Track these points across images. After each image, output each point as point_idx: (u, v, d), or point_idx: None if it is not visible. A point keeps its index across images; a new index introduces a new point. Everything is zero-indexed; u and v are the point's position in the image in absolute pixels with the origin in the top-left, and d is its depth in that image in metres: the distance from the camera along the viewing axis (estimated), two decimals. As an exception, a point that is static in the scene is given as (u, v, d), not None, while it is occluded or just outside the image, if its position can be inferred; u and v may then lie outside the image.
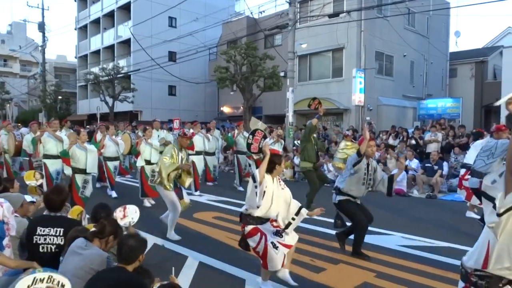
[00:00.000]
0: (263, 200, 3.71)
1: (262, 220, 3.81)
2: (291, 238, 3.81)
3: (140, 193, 8.25)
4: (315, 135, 8.61)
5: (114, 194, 9.06)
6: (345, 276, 4.46)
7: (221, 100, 29.59)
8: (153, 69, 25.57)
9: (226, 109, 28.58)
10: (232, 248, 5.37)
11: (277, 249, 3.62)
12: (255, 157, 9.16)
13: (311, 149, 7.83)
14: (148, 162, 8.29)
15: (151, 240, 5.58)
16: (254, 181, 3.70)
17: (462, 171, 7.26)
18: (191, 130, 9.69)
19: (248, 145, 5.18)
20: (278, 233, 3.70)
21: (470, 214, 7.45)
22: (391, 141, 13.15)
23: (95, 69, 29.95)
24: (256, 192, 3.68)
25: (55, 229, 3.33)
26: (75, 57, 39.44)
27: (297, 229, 6.33)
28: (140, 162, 8.30)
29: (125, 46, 32.02)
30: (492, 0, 13.56)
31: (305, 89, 20.86)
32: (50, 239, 3.30)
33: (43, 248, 3.28)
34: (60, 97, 35.46)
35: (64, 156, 7.04)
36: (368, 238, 5.80)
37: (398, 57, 21.03)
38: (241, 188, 10.08)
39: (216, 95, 30.23)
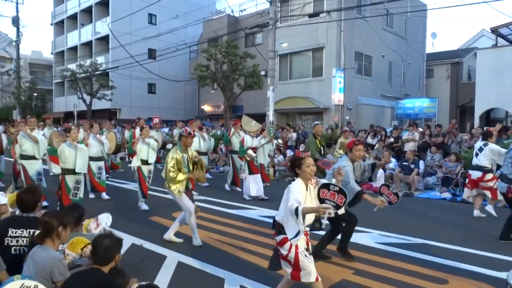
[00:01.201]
0: None
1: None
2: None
3: (141, 195, 7.78)
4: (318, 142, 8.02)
5: (92, 195, 8.61)
6: (323, 273, 4.48)
7: (201, 99, 29.41)
8: (132, 66, 25.21)
9: (206, 108, 28.43)
10: (212, 248, 5.36)
11: (309, 258, 3.34)
12: (247, 158, 8.90)
13: (313, 149, 7.60)
14: (145, 162, 7.87)
15: (129, 239, 5.51)
16: (297, 215, 3.11)
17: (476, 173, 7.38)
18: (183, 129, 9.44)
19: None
20: (307, 250, 3.41)
21: (478, 213, 7.52)
22: (369, 140, 13.36)
23: (72, 66, 29.32)
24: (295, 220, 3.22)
25: (27, 230, 3.24)
26: (51, 53, 38.47)
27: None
28: (136, 162, 7.85)
29: (103, 42, 31.43)
30: (467, 3, 13.94)
31: (285, 88, 20.96)
32: (22, 241, 3.21)
33: (15, 250, 3.19)
34: (35, 94, 34.52)
35: (52, 154, 6.68)
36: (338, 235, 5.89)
37: (376, 57, 21.37)
38: (227, 188, 10.00)
39: (197, 93, 30.04)
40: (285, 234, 3.34)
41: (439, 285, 4.19)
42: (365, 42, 20.39)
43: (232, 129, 10.40)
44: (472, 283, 4.27)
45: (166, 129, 17.63)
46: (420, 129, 13.44)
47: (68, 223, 3.01)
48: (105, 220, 4.18)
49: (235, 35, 22.84)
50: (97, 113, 30.36)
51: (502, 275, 4.45)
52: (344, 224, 4.96)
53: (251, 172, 8.88)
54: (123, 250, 4.62)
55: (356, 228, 6.26)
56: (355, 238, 5.86)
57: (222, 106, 21.97)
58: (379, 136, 13.32)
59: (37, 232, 2.98)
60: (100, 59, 29.87)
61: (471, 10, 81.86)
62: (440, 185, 10.13)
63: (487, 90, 16.39)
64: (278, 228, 3.44)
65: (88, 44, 33.05)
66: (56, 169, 6.75)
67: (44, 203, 6.60)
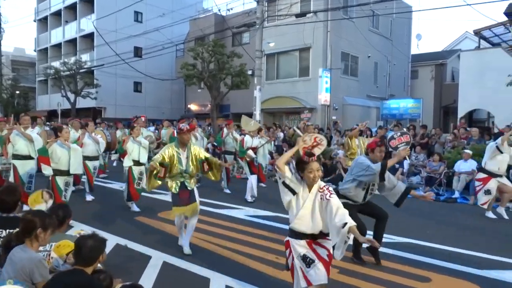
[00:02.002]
0: (300, 212, 3.20)
1: (297, 235, 3.24)
2: (317, 276, 3.11)
3: (126, 196, 7.53)
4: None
5: (90, 197, 8.30)
6: (309, 273, 4.51)
7: (188, 98, 29.25)
8: (118, 64, 24.89)
9: (193, 107, 28.28)
10: (197, 247, 5.32)
11: (308, 268, 3.15)
12: (247, 158, 8.67)
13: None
14: (136, 163, 7.56)
15: (114, 240, 5.44)
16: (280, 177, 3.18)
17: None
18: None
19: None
20: (305, 260, 3.16)
21: (489, 214, 7.52)
22: (355, 140, 13.44)
23: (56, 64, 28.80)
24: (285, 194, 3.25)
25: (7, 231, 3.17)
26: (35, 50, 37.74)
27: (262, 226, 6.41)
28: (127, 162, 7.51)
29: (88, 40, 30.96)
30: (451, 6, 14.16)
31: (272, 88, 21.00)
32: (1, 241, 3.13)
33: (-6, 250, 3.11)
34: (17, 92, 33.82)
35: (43, 154, 6.25)
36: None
37: (362, 58, 21.56)
38: (227, 191, 9.59)
39: (183, 92, 29.86)
40: (290, 236, 3.27)
41: (423, 283, 4.24)
42: (351, 43, 20.56)
43: (225, 130, 10.07)
44: (455, 281, 4.33)
45: (152, 128, 17.45)
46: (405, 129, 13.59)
47: (49, 225, 2.93)
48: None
49: (222, 34, 22.78)
50: (82, 112, 29.90)
51: (485, 273, 4.54)
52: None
53: (252, 173, 8.69)
54: (107, 251, 4.55)
55: None
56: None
57: (209, 105, 21.89)
58: (365, 136, 13.42)
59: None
60: (85, 57, 29.41)
61: (455, 13, 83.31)
62: (424, 184, 10.27)
63: (470, 92, 16.69)
64: (289, 230, 3.34)
65: (73, 42, 32.51)
66: (47, 170, 6.28)
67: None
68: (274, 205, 8.03)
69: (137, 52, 29.13)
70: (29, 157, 7.05)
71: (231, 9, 23.81)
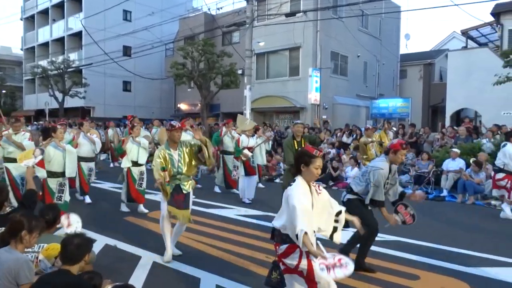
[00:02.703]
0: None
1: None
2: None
3: (126, 197, 7.32)
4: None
5: (88, 199, 8.03)
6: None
7: (178, 97, 29.11)
8: (107, 63, 24.65)
9: (183, 106, 28.17)
10: (187, 247, 5.30)
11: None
12: (243, 158, 8.38)
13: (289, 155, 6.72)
14: (135, 164, 7.34)
15: (103, 240, 5.39)
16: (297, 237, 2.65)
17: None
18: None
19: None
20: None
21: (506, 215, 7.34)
22: (344, 139, 13.55)
23: (43, 62, 28.45)
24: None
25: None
26: (21, 49, 37.22)
27: (253, 226, 6.41)
28: (126, 163, 7.29)
29: (76, 39, 30.63)
30: (439, 6, 14.31)
31: (262, 87, 21.01)
32: None
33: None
34: (4, 91, 33.33)
35: None
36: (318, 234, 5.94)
37: (352, 57, 21.69)
38: (218, 190, 9.46)
39: (173, 91, 29.71)
40: (291, 241, 2.82)
41: (412, 281, 4.28)
42: (341, 42, 20.67)
43: (224, 129, 9.67)
44: (444, 278, 4.38)
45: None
46: (394, 129, 13.72)
47: (35, 227, 2.88)
48: (75, 223, 4.08)
49: (212, 33, 22.71)
50: (70, 111, 29.60)
51: (474, 270, 4.61)
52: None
53: (247, 173, 8.41)
54: (96, 251, 4.52)
55: None
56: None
57: (199, 104, 21.81)
58: (354, 135, 13.52)
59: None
60: (73, 56, 29.11)
61: (443, 13, 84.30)
62: (412, 183, 10.37)
63: (457, 91, 16.90)
64: (280, 236, 2.92)
65: (60, 40, 32.12)
66: (40, 173, 5.98)
67: None
68: (265, 204, 8.05)
69: (126, 51, 28.92)
70: None
71: (221, 8, 23.79)
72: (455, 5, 13.29)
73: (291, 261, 2.81)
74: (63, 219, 3.98)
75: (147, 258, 4.85)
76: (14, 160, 6.57)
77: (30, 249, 3.28)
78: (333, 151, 12.65)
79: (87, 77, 27.43)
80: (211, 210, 7.58)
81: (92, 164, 8.27)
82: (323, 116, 18.87)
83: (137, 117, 14.03)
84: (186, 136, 8.13)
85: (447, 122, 17.07)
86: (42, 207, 4.03)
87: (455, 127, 12.91)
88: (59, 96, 26.30)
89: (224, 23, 19.81)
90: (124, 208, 7.40)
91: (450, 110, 17.46)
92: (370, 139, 9.33)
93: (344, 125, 15.39)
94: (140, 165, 7.44)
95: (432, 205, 8.58)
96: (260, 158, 9.09)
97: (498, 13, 17.04)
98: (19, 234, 2.79)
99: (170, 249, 4.81)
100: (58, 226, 3.96)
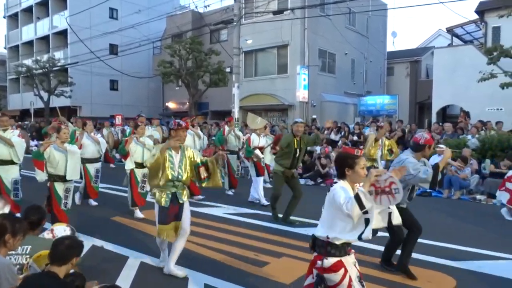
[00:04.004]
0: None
1: (345, 249, 2.72)
2: None
3: (130, 202, 6.99)
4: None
5: (92, 201, 7.77)
6: (287, 268, 4.54)
7: (166, 96, 28.93)
8: (93, 62, 24.39)
9: (171, 105, 28.00)
10: (176, 246, 5.27)
11: None
12: (254, 158, 7.96)
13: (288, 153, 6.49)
14: (139, 165, 6.95)
15: (90, 241, 5.33)
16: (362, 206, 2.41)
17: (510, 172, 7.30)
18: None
19: None
20: (360, 280, 2.76)
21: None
22: (333, 136, 13.61)
23: (28, 61, 27.99)
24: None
25: None
26: (5, 48, 36.54)
27: (242, 224, 6.40)
28: (129, 165, 6.91)
29: (62, 37, 30.20)
30: (424, 4, 14.47)
31: (251, 85, 20.99)
32: None
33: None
34: (-13, 91, 32.75)
35: (37, 158, 5.52)
36: (302, 230, 5.99)
37: (340, 55, 21.80)
38: (230, 192, 9.00)
39: (161, 90, 29.52)
40: (338, 255, 2.64)
41: (398, 276, 4.32)
42: (329, 40, 20.75)
43: (226, 127, 9.23)
44: (431, 273, 4.44)
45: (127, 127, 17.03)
46: (381, 124, 13.81)
47: (19, 230, 2.83)
48: (62, 233, 4.02)
49: (199, 31, 22.60)
50: (56, 111, 29.16)
51: (460, 264, 4.67)
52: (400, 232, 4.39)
53: (258, 174, 8.06)
54: (83, 252, 4.46)
55: (310, 221, 6.37)
56: (310, 231, 5.95)
57: (187, 103, 21.71)
58: (342, 133, 13.59)
59: None
60: (58, 55, 28.69)
61: (429, 11, 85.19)
62: (400, 179, 10.44)
63: (443, 88, 17.10)
64: (325, 248, 2.65)
65: (45, 39, 31.63)
66: (39, 175, 5.56)
67: (18, 215, 5.35)
68: (255, 203, 8.05)
69: (113, 49, 28.59)
70: (11, 162, 6.39)
71: (209, 5, 23.68)
72: (440, 2, 13.45)
73: (334, 277, 2.65)
74: (46, 234, 3.97)
75: (135, 258, 4.81)
76: (2, 163, 6.30)
77: (13, 252, 3.23)
78: (319, 148, 12.68)
79: (73, 76, 27.05)
80: (200, 209, 7.54)
81: (98, 165, 7.83)
82: (313, 116, 18.93)
83: (122, 116, 13.91)
84: (189, 137, 7.91)
85: (434, 118, 17.28)
86: (26, 209, 3.96)
87: (441, 124, 13.07)
88: (45, 95, 25.89)
89: (211, 21, 19.73)
90: (138, 214, 6.89)
91: (436, 106, 17.66)
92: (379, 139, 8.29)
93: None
94: (144, 167, 6.83)
95: (419, 200, 8.66)
96: (270, 158, 8.49)
97: (482, 11, 17.27)
98: (2, 238, 2.74)
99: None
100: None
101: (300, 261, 4.77)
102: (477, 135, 10.61)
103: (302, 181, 10.21)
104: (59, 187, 5.64)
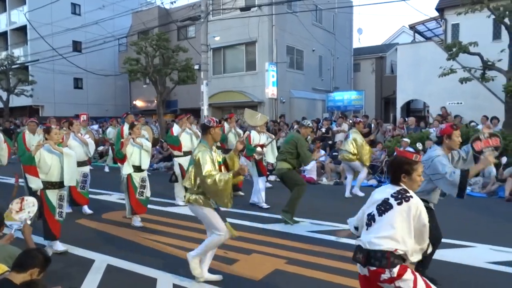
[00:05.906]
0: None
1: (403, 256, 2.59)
2: None
3: (128, 210, 6.55)
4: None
5: (87, 210, 7.16)
6: (257, 265, 4.56)
7: (133, 94, 28.32)
8: (55, 59, 23.47)
9: (139, 103, 27.44)
10: (143, 247, 5.19)
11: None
12: (256, 157, 7.52)
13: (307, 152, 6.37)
14: (137, 169, 6.38)
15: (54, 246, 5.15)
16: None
17: None
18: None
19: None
20: None
21: None
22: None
23: (-16, 59, 26.62)
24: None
25: None
26: (-41, 45, 34.62)
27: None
28: (126, 169, 6.32)
29: (21, 33, 28.92)
30: (389, 1, 14.84)
31: (219, 82, 20.88)
32: None
33: None
34: None
35: (28, 163, 4.87)
36: (279, 227, 6.04)
37: (307, 52, 22.02)
38: (241, 193, 8.59)
39: (128, 88, 28.87)
40: (402, 261, 2.51)
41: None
42: (296, 37, 20.91)
43: (226, 125, 8.73)
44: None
45: (95, 126, 16.68)
46: (350, 121, 14.10)
47: None
48: (30, 207, 3.83)
49: (166, 28, 22.23)
50: (16, 111, 28.00)
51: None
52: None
53: (260, 174, 7.58)
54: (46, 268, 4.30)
55: (275, 216, 6.42)
56: (288, 228, 6.02)
57: (155, 101, 21.32)
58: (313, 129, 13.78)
59: None
60: (18, 52, 27.46)
61: (394, 8, 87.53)
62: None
63: (406, 83, 17.62)
64: (388, 259, 2.48)
65: (3, 35, 30.21)
66: (34, 183, 4.87)
67: None
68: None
69: (76, 46, 27.68)
70: None
71: (175, 1, 23.32)
72: (403, 0, 13.86)
73: (405, 284, 2.50)
74: (15, 203, 3.76)
75: (101, 261, 4.70)
76: None
77: None
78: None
79: (34, 74, 25.95)
80: (168, 208, 7.46)
81: (86, 169, 7.11)
82: (283, 114, 19.06)
83: (87, 115, 13.44)
84: (186, 136, 7.65)
85: (398, 113, 17.78)
86: None
87: (406, 118, 13.47)
88: (4, 94, 24.74)
89: (178, 17, 19.41)
90: (137, 222, 6.33)
91: (400, 101, 18.17)
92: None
93: (301, 119, 15.60)
94: (143, 170, 6.47)
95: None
96: (272, 156, 8.04)
97: (442, 8, 17.90)
98: None
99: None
100: (11, 214, 3.73)
101: (269, 256, 4.82)
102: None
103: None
104: (52, 195, 4.99)
